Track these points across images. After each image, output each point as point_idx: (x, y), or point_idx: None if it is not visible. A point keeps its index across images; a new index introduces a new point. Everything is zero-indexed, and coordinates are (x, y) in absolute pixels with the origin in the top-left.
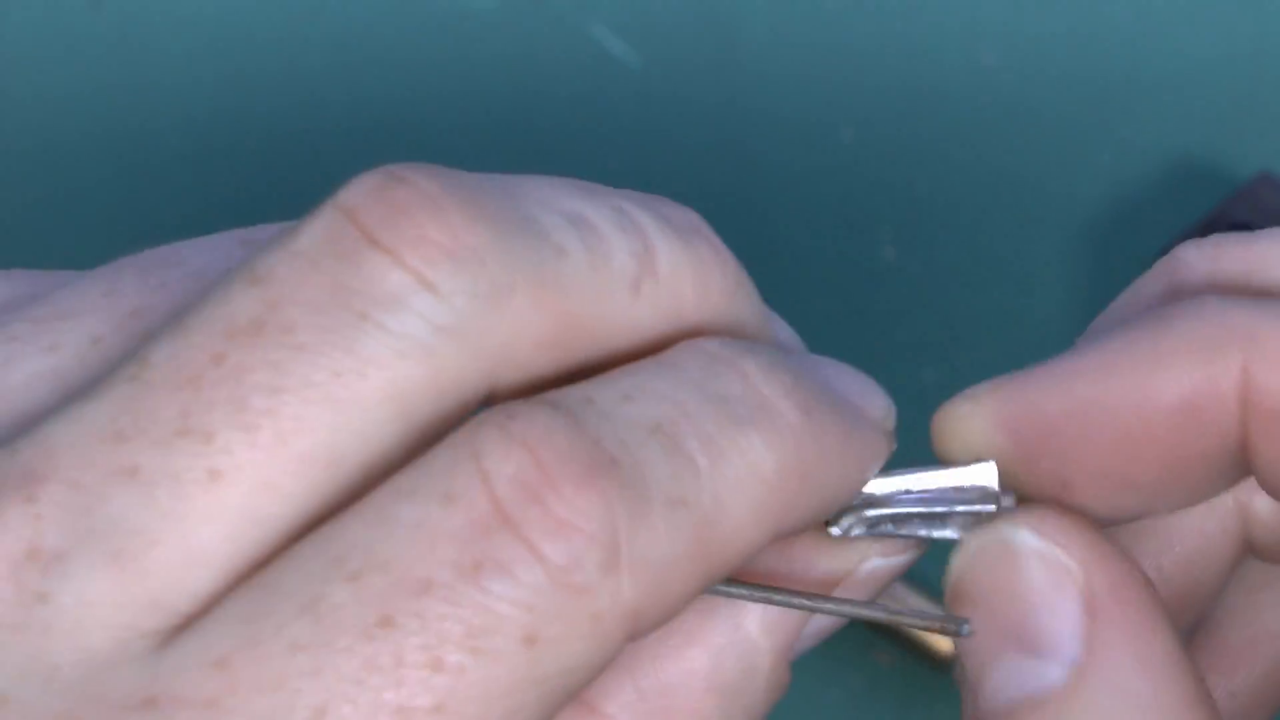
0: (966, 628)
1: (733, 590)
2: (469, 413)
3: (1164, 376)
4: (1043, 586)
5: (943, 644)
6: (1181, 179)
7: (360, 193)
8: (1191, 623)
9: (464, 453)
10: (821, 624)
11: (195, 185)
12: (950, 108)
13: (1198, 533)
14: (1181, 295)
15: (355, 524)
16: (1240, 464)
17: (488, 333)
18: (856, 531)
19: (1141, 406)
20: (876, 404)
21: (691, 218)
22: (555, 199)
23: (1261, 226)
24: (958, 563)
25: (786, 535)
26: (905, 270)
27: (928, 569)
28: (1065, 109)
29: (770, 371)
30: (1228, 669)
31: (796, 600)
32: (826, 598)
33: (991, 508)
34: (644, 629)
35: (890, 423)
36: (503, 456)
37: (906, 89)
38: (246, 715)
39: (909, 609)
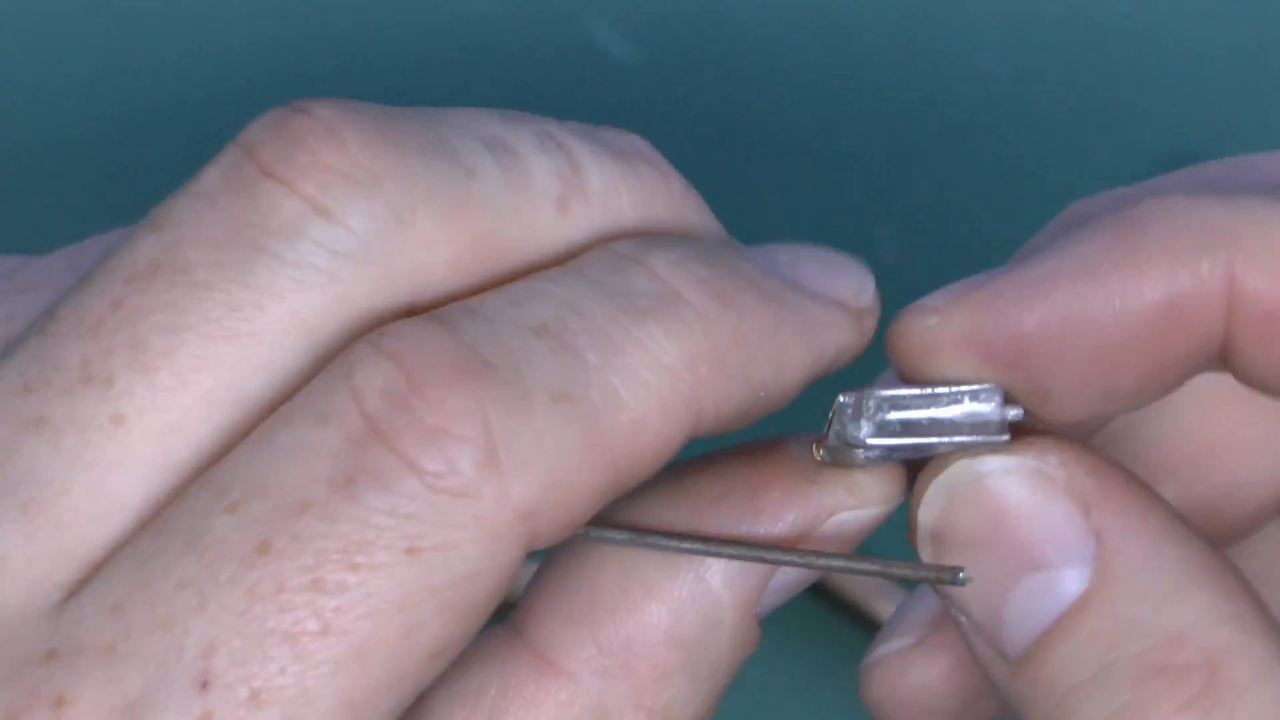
0: (963, 575)
1: (725, 551)
2: None
3: (1147, 281)
4: (1031, 500)
5: None
6: None
7: (259, 127)
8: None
9: (338, 373)
10: (789, 579)
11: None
12: (950, 108)
13: (1239, 467)
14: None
15: (239, 455)
16: (1217, 359)
17: (392, 255)
18: (864, 455)
19: (1124, 313)
20: (843, 284)
21: (633, 140)
22: (474, 125)
23: None
24: (930, 513)
25: (718, 426)
26: (905, 270)
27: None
28: (1065, 109)
29: (680, 263)
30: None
31: (787, 558)
32: (820, 553)
33: (1005, 438)
34: (547, 531)
35: (863, 301)
36: (372, 370)
37: (906, 89)
38: (141, 659)
39: (902, 562)
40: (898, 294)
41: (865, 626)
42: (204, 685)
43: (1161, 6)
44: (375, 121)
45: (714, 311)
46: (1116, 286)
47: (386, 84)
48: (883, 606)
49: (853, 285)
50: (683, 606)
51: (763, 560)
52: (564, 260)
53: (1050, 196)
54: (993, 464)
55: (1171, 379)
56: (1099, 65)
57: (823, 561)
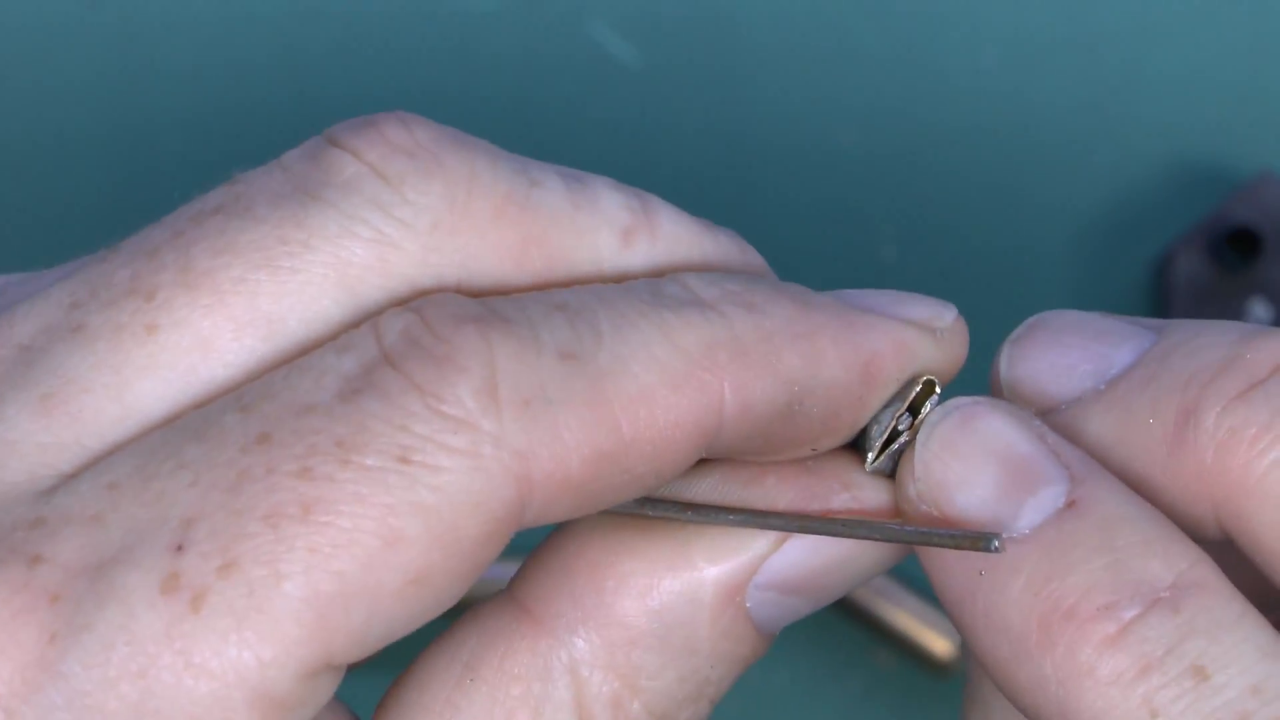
0: (996, 543)
1: (770, 522)
2: None
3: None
4: (1017, 427)
5: (941, 647)
6: (1181, 179)
7: (345, 122)
8: None
9: (368, 322)
10: (780, 572)
11: (195, 185)
12: (950, 108)
13: None
14: (1178, 486)
15: (263, 375)
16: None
17: (443, 232)
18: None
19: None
20: (913, 307)
21: (728, 230)
22: (556, 166)
23: (1262, 226)
24: (925, 452)
25: (750, 419)
26: (905, 270)
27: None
28: (1065, 110)
29: (714, 280)
30: None
31: (819, 525)
32: (851, 521)
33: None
34: (542, 485)
35: (941, 322)
36: (396, 316)
37: (906, 89)
38: (124, 528)
39: (938, 530)
40: None
41: (865, 626)
42: (178, 549)
43: (1162, 8)
44: (449, 129)
45: (738, 314)
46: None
47: (386, 83)
48: (883, 607)
49: (925, 309)
50: (661, 570)
51: (804, 530)
52: None
53: (1050, 197)
54: (977, 402)
55: None
56: (1099, 67)
57: (861, 530)
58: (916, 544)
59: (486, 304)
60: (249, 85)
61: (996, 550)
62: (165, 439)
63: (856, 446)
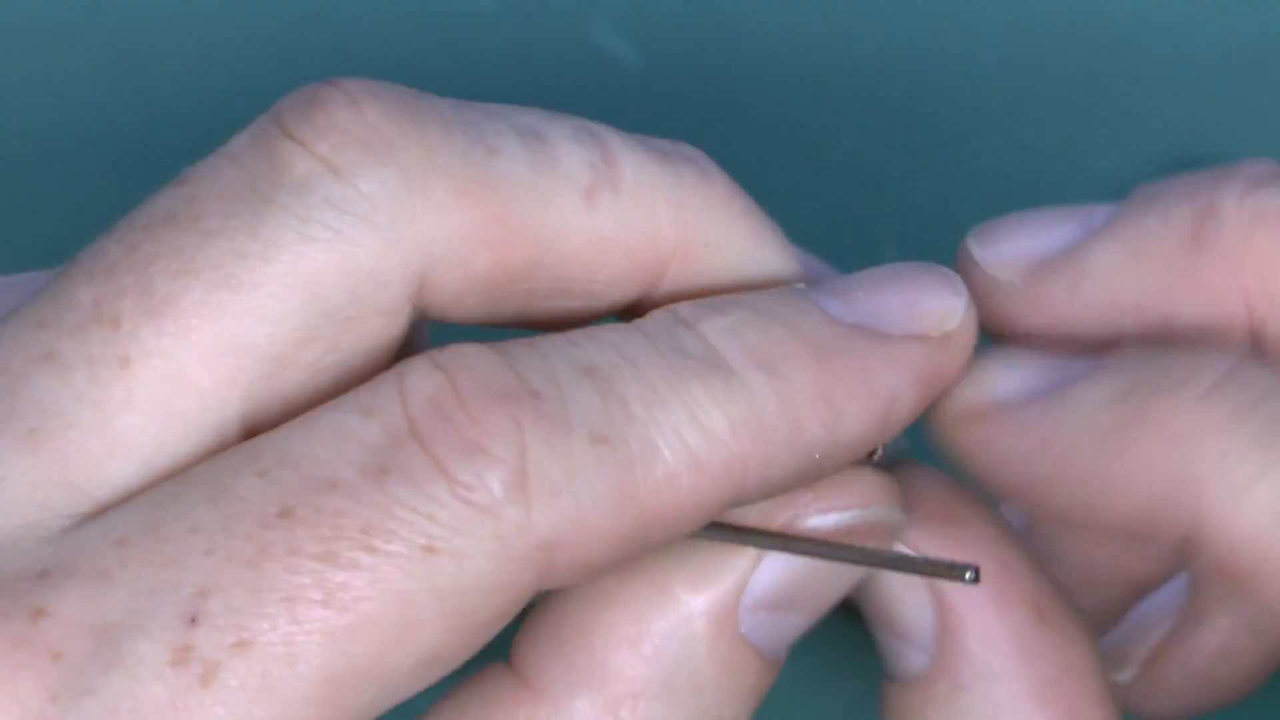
0: (969, 575)
1: (740, 537)
2: (399, 310)
3: (1117, 507)
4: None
5: None
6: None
7: (290, 98)
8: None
9: (391, 376)
10: (768, 592)
11: None
12: (950, 107)
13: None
14: (1208, 270)
15: (279, 430)
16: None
17: (402, 220)
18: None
19: (1106, 511)
20: (927, 309)
21: (683, 147)
22: (508, 114)
23: None
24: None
25: (769, 490)
26: None
27: None
28: (1065, 109)
29: (731, 331)
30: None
31: (798, 546)
32: (834, 544)
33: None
34: (564, 569)
35: (949, 325)
36: (424, 379)
37: (906, 89)
38: (132, 588)
39: (916, 557)
40: None
41: (865, 626)
42: (192, 620)
43: (1163, 9)
44: (398, 96)
45: (757, 381)
46: (1093, 493)
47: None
48: None
49: (938, 310)
50: (646, 613)
51: (784, 549)
52: (595, 254)
53: (1050, 196)
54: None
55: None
56: (1099, 65)
57: (835, 552)
58: (889, 569)
59: (516, 368)
60: (248, 85)
61: (970, 581)
62: (175, 496)
63: None
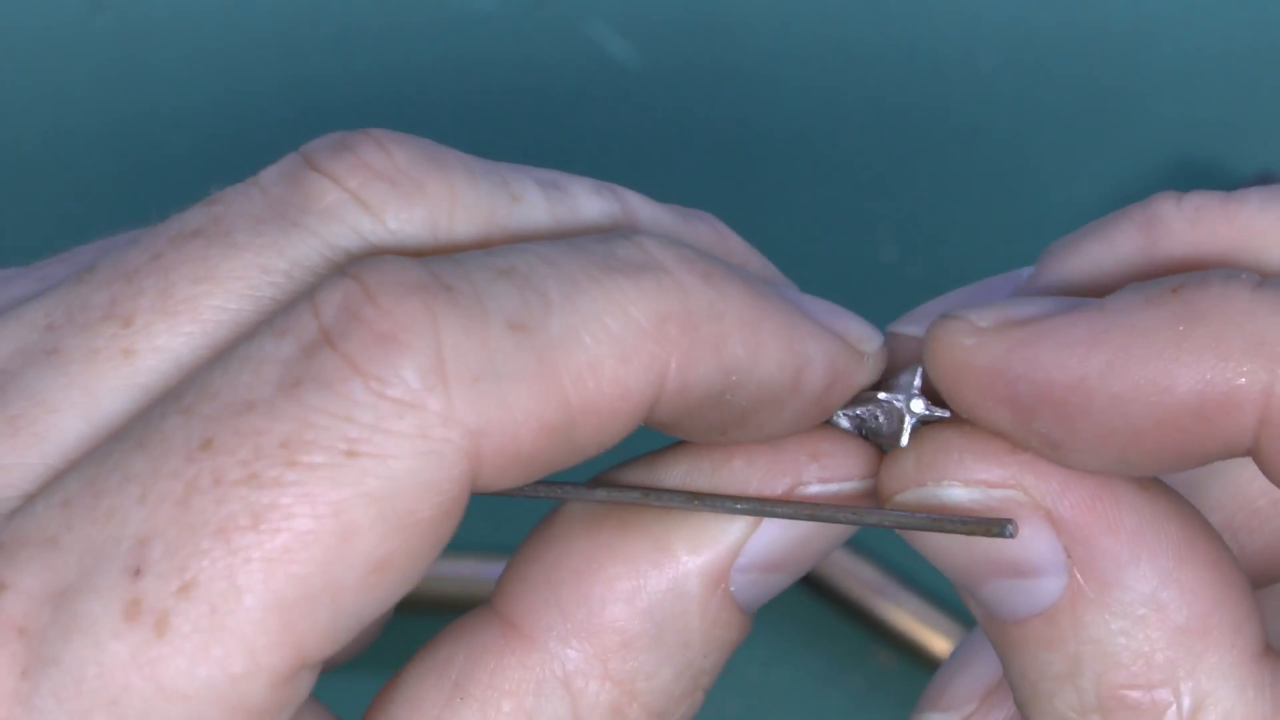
0: (1010, 528)
1: (779, 510)
2: None
3: (1183, 380)
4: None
5: (941, 646)
6: (1181, 179)
7: (319, 141)
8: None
9: (305, 294)
10: (762, 553)
11: (195, 185)
12: (950, 109)
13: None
14: (1160, 258)
15: (201, 368)
16: (1245, 452)
17: (426, 255)
18: (843, 424)
19: (1155, 404)
20: (850, 325)
21: (703, 213)
22: (531, 169)
23: None
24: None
25: (681, 401)
26: (905, 270)
27: (926, 572)
28: (1065, 110)
29: (671, 244)
30: None
31: (834, 514)
32: (868, 509)
33: (945, 413)
34: (495, 461)
35: (867, 346)
36: (333, 288)
37: (906, 89)
38: (80, 550)
39: (949, 517)
40: (898, 294)
41: (865, 627)
42: (136, 573)
43: (1163, 9)
44: (424, 144)
45: (694, 284)
46: (1153, 374)
47: (386, 83)
48: (883, 607)
49: (860, 330)
50: (645, 569)
51: (813, 518)
52: None
53: (1050, 198)
54: (958, 492)
55: (1192, 463)
56: (1101, 68)
57: (872, 517)
58: (927, 530)
59: (429, 267)
60: (249, 85)
61: (1010, 536)
62: (112, 448)
63: (831, 424)
